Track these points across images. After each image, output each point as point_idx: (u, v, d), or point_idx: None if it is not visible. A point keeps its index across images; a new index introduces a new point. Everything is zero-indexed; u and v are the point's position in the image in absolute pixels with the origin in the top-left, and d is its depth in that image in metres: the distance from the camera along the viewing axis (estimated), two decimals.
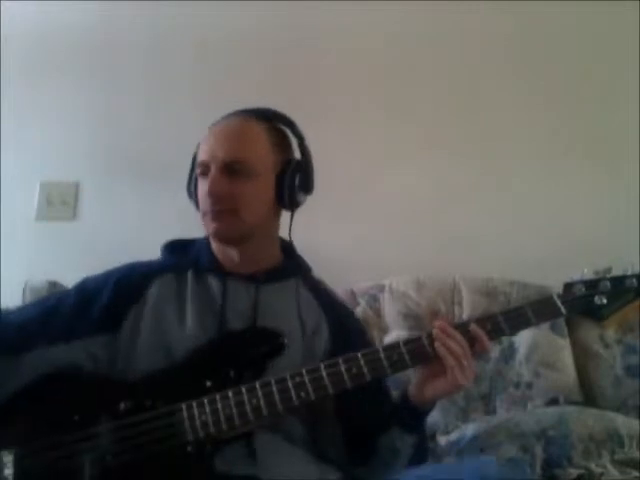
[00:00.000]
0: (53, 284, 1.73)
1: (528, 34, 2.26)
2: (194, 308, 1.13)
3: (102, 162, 2.15)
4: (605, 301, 1.09)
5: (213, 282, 1.17)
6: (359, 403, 1.13)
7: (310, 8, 2.20)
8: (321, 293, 1.29)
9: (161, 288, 1.16)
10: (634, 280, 1.08)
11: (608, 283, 1.09)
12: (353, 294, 1.94)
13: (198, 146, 1.22)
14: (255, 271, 1.19)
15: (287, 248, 1.27)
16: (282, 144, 1.22)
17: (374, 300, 1.93)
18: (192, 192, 1.21)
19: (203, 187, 1.15)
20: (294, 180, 1.19)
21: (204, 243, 1.24)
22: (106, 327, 1.12)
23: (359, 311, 1.90)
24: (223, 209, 1.13)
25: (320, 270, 1.91)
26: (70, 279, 1.77)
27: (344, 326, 1.25)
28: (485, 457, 1.32)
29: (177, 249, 1.25)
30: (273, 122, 1.22)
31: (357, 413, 1.15)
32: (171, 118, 2.13)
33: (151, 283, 1.16)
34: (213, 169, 1.14)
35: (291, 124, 1.23)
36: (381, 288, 1.95)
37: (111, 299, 1.14)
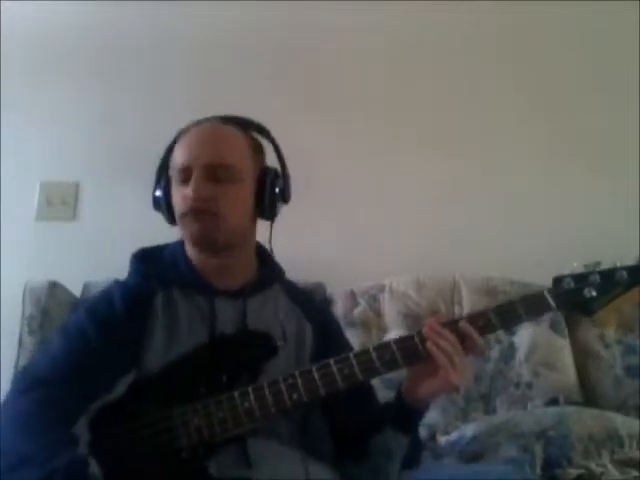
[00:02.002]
0: (53, 284, 1.73)
1: (528, 34, 2.26)
2: (187, 328, 1.11)
3: (102, 162, 2.15)
4: (594, 294, 1.08)
5: (200, 300, 1.14)
6: (344, 403, 1.13)
7: (310, 8, 2.20)
8: (299, 295, 1.29)
9: (160, 308, 1.12)
10: (624, 272, 1.08)
11: (597, 276, 1.09)
12: (353, 294, 1.94)
13: (168, 151, 1.21)
14: (240, 286, 1.18)
15: (261, 253, 1.26)
16: (258, 151, 1.22)
17: (374, 300, 1.93)
18: (160, 199, 1.19)
19: (183, 191, 1.13)
20: (274, 189, 1.19)
21: (180, 253, 1.20)
22: (133, 362, 1.06)
23: (359, 311, 1.90)
24: (205, 210, 1.11)
25: (320, 270, 1.92)
26: (70, 279, 1.79)
27: (325, 325, 1.26)
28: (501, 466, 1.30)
29: (150, 258, 1.21)
30: (248, 129, 1.22)
31: (343, 413, 1.15)
32: (171, 118, 2.12)
33: (153, 304, 1.12)
34: (196, 172, 1.12)
35: (266, 132, 1.24)
36: (381, 288, 1.95)
37: (133, 332, 1.08)
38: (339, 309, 1.88)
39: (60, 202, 2.11)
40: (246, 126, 1.22)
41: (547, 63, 2.24)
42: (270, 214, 1.20)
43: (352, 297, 1.93)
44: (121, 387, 1.03)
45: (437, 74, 2.25)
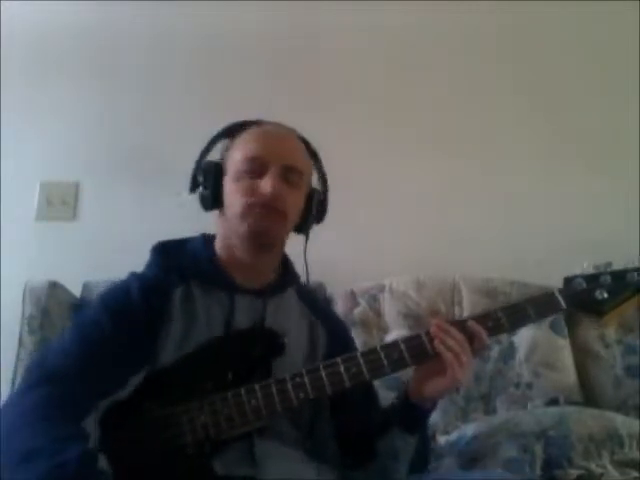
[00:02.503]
0: (53, 284, 1.73)
1: (528, 34, 2.26)
2: (205, 323, 1.11)
3: (102, 162, 2.15)
4: (606, 295, 1.07)
5: (220, 297, 1.14)
6: (350, 405, 1.14)
7: (310, 8, 2.20)
8: (311, 298, 1.30)
9: (178, 302, 1.12)
10: (635, 274, 1.07)
11: (609, 277, 1.08)
12: (353, 294, 1.94)
13: (213, 142, 1.21)
14: (261, 286, 1.18)
15: (283, 258, 1.27)
16: (311, 170, 1.24)
17: (374, 300, 1.93)
18: (210, 186, 1.17)
19: (253, 183, 1.13)
20: (317, 208, 1.22)
21: (202, 249, 1.20)
22: (148, 357, 1.06)
23: (359, 311, 1.90)
24: (277, 208, 1.13)
25: (320, 270, 1.91)
26: (70, 279, 1.79)
27: (336, 328, 1.28)
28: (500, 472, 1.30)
29: (170, 251, 1.20)
30: (308, 148, 1.25)
31: (349, 415, 1.15)
32: (171, 118, 2.13)
33: (172, 298, 1.11)
34: (274, 169, 1.13)
35: (318, 157, 1.26)
36: (381, 288, 1.95)
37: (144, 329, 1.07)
38: (339, 309, 1.88)
39: (60, 202, 2.10)
40: (306, 144, 1.25)
41: (547, 63, 2.24)
42: (307, 230, 1.23)
43: (352, 297, 1.93)
44: (133, 383, 1.02)
45: (437, 74, 2.25)
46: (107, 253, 1.97)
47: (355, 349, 1.27)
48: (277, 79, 2.20)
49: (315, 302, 1.31)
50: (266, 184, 1.11)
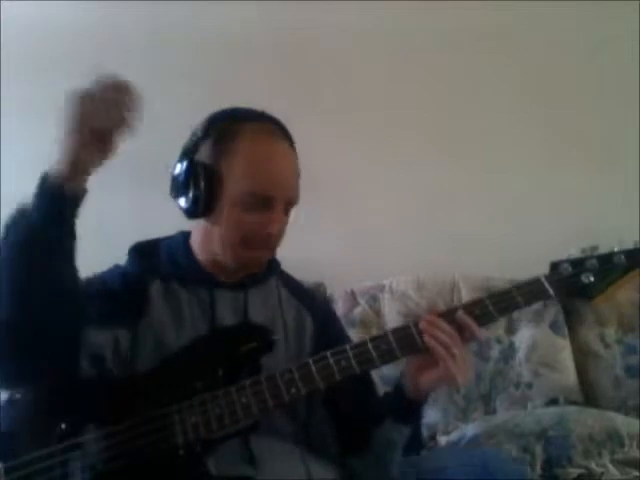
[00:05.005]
0: None
1: (528, 35, 2.26)
2: (187, 320, 1.11)
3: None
4: (592, 279, 1.07)
5: (200, 292, 1.14)
6: (346, 396, 1.13)
7: (310, 8, 2.20)
8: (298, 289, 1.28)
9: (157, 295, 1.13)
10: (622, 256, 1.08)
11: (595, 261, 1.08)
12: (353, 294, 1.94)
13: (199, 138, 1.13)
14: (241, 278, 1.17)
15: None
16: None
17: (374, 300, 1.93)
18: (208, 196, 1.09)
19: (258, 218, 1.09)
20: None
21: (182, 245, 1.19)
22: (128, 323, 1.09)
23: (359, 311, 1.90)
24: (275, 245, 1.14)
25: (320, 270, 1.92)
26: None
27: (327, 321, 1.26)
28: (488, 449, 1.31)
29: (147, 251, 1.20)
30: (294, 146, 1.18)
31: (344, 406, 1.15)
32: (170, 118, 2.13)
33: (149, 288, 1.13)
34: (279, 207, 1.10)
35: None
36: (381, 288, 1.95)
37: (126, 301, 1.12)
38: (339, 309, 1.88)
39: None
40: (292, 142, 1.18)
41: (547, 63, 2.24)
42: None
43: (352, 297, 1.93)
44: (107, 339, 1.06)
45: (437, 74, 2.25)
46: (107, 253, 1.96)
47: (345, 336, 1.28)
48: (277, 79, 2.20)
49: (301, 291, 1.29)
50: (272, 227, 1.09)
